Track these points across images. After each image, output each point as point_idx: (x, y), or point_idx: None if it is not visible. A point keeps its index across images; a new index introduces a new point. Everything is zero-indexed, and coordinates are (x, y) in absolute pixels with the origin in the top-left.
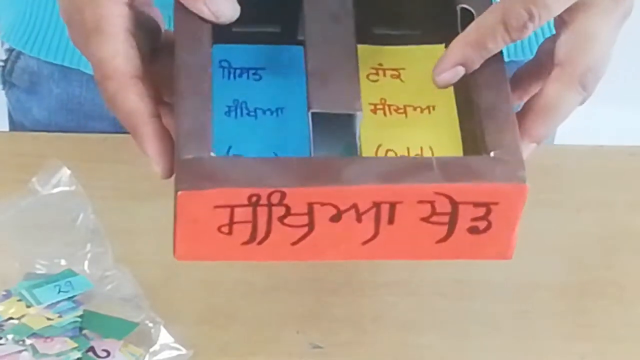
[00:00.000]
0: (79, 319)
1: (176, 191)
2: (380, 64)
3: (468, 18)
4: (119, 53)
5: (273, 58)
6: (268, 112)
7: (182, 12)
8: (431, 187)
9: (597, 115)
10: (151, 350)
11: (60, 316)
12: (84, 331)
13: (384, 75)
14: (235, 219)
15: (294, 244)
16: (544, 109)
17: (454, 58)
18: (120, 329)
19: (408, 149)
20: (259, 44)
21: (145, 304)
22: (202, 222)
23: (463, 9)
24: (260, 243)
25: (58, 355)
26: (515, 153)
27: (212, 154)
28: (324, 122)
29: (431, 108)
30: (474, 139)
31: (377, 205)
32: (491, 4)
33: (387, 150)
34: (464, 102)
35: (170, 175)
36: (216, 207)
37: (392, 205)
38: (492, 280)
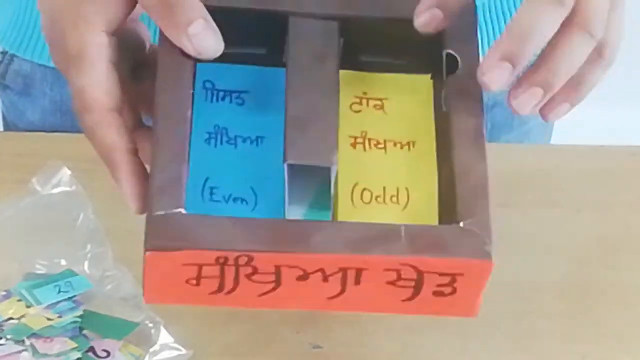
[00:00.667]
0: (78, 319)
1: (145, 249)
2: (365, 93)
3: (453, 63)
4: (99, 84)
5: (257, 81)
6: (248, 141)
7: (166, 47)
8: (398, 259)
9: (597, 115)
10: (151, 350)
11: (60, 316)
12: (84, 331)
13: (367, 105)
14: (203, 275)
15: (260, 295)
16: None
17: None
18: (120, 329)
19: (384, 188)
20: (244, 64)
21: (145, 304)
22: (170, 276)
23: (449, 54)
24: (227, 294)
25: (58, 355)
26: (485, 224)
27: (183, 211)
28: (300, 168)
29: (411, 144)
30: (449, 181)
31: (343, 270)
32: (477, 48)
33: (363, 190)
34: (442, 138)
35: (144, 212)
36: (184, 264)
37: (359, 271)
38: (492, 280)
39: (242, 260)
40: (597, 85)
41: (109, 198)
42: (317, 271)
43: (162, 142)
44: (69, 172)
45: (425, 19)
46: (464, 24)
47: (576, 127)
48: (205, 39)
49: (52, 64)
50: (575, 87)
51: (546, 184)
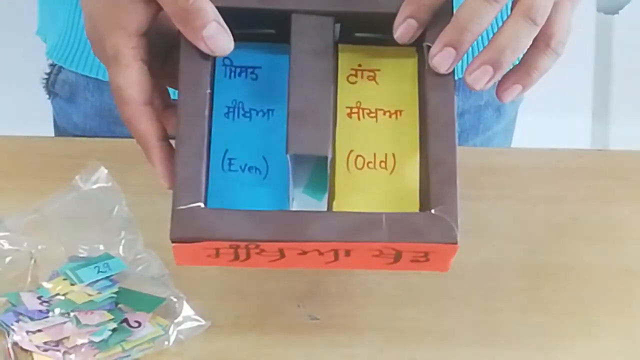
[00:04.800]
0: (114, 295)
1: (171, 239)
2: (360, 65)
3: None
4: (133, 83)
5: (268, 57)
6: (261, 114)
7: (188, 49)
8: (379, 244)
9: (549, 123)
10: (175, 321)
11: (99, 292)
12: (119, 305)
13: (362, 77)
14: (221, 253)
15: (269, 262)
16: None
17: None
18: (150, 303)
19: (375, 154)
20: (258, 42)
21: (170, 282)
22: (194, 254)
23: (428, 46)
24: (242, 261)
25: (97, 325)
26: (453, 210)
27: (202, 205)
28: (301, 155)
29: (399, 113)
30: (425, 154)
31: (335, 250)
32: None
33: (357, 156)
34: (422, 116)
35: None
36: (204, 249)
37: (348, 250)
38: (463, 262)
39: (251, 246)
40: (545, 74)
41: (140, 193)
42: (313, 250)
43: (183, 140)
44: (106, 171)
45: (401, 32)
46: (442, 16)
47: (532, 133)
48: (217, 40)
49: (93, 75)
50: (526, 72)
51: (507, 181)
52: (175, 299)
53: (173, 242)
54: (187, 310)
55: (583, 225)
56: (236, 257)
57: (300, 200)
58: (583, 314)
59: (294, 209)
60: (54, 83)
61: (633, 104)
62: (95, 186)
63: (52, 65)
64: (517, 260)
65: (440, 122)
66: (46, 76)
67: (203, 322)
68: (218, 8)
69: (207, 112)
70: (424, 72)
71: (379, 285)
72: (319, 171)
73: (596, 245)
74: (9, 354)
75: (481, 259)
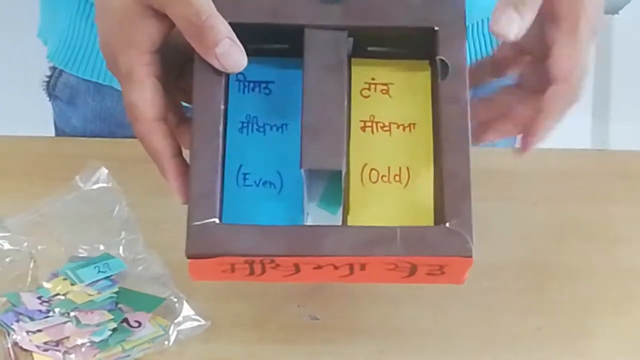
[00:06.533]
0: (115, 295)
1: (187, 255)
2: (373, 79)
3: (445, 67)
4: (146, 100)
5: (281, 71)
6: (275, 128)
7: (201, 65)
8: (394, 258)
9: None
10: (175, 321)
11: (99, 292)
12: (119, 305)
13: (375, 90)
14: (236, 268)
15: (284, 276)
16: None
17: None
18: (150, 303)
19: (389, 168)
20: (271, 56)
21: (170, 282)
22: (209, 269)
23: (441, 59)
24: (258, 276)
25: (97, 325)
26: (468, 223)
27: (217, 221)
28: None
29: (412, 126)
30: (439, 167)
31: (350, 264)
32: (465, 56)
33: (371, 170)
34: (436, 128)
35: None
36: (219, 264)
37: (363, 264)
38: None
39: (267, 261)
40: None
41: (140, 193)
42: (328, 265)
43: (198, 154)
44: (106, 171)
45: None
46: (455, 30)
47: None
48: (230, 57)
49: (94, 79)
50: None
51: (507, 182)
52: (175, 299)
53: (189, 257)
54: (187, 310)
55: (583, 225)
56: (252, 272)
57: (315, 214)
58: (583, 314)
59: (308, 223)
60: (55, 86)
61: (633, 104)
62: (95, 186)
63: (53, 69)
64: (517, 260)
65: (454, 134)
66: (47, 79)
67: (203, 322)
68: (231, 24)
69: (221, 128)
70: (437, 85)
71: (379, 285)
72: (333, 185)
73: (596, 245)
74: (9, 354)
75: (481, 259)
